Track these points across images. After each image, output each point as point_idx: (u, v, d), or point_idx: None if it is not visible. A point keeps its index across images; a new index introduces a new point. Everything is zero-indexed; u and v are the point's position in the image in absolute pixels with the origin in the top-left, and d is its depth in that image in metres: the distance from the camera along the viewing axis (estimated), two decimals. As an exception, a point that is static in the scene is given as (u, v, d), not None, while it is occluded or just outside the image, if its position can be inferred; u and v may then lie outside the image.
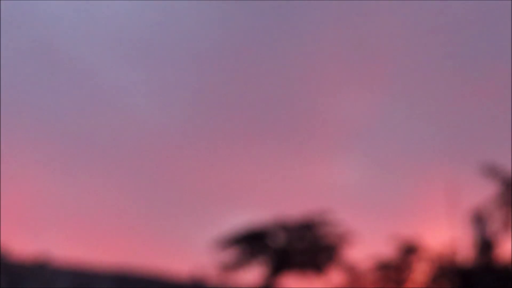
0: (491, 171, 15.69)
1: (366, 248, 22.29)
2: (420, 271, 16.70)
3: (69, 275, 35.42)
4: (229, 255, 17.34)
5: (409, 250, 16.68)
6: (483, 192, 16.17)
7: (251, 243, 17.45)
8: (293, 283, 17.43)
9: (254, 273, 17.42)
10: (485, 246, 15.89)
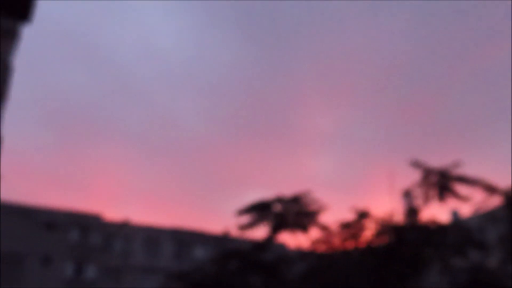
0: (416, 164, 18.54)
1: (335, 214, 26.57)
2: (369, 229, 19.17)
3: (142, 232, 43.30)
4: (245, 219, 20.47)
5: (363, 216, 19.34)
6: (411, 177, 18.73)
7: (259, 211, 20.46)
8: (286, 238, 21.35)
9: (261, 231, 20.45)
10: (412, 212, 18.47)
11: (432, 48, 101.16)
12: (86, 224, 40.63)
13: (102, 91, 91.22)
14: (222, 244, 34.81)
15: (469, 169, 19.44)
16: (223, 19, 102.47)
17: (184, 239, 41.60)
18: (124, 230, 40.70)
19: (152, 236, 41.61)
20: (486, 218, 19.27)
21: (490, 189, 17.70)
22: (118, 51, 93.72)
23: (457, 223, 19.55)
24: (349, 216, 19.96)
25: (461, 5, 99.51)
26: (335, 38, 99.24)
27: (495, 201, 18.09)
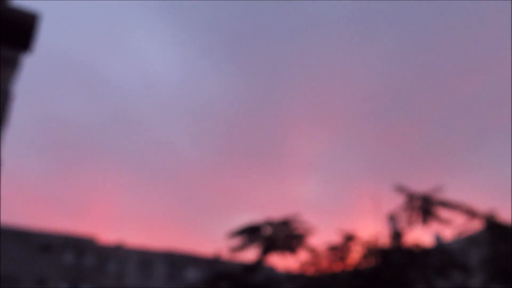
0: (400, 189, 18.49)
1: (322, 237, 26.38)
2: (356, 252, 19.00)
3: (135, 254, 42.79)
4: (236, 241, 19.97)
5: (349, 238, 19.09)
6: (395, 201, 18.66)
7: (249, 234, 19.98)
8: (276, 260, 20.34)
9: (251, 253, 19.96)
10: (396, 235, 18.27)
11: (414, 79, 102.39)
12: (81, 246, 40.09)
13: (99, 118, 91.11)
14: (213, 266, 34.56)
15: (450, 194, 19.72)
16: (215, 50, 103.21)
17: (176, 261, 41.02)
18: (118, 252, 40.17)
19: (145, 258, 41.05)
20: (468, 241, 19.21)
21: (471, 213, 17.61)
22: (116, 80, 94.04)
23: (440, 246, 19.48)
24: (336, 238, 19.76)
25: (441, 39, 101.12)
26: (323, 68, 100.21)
27: (476, 225, 18.03)
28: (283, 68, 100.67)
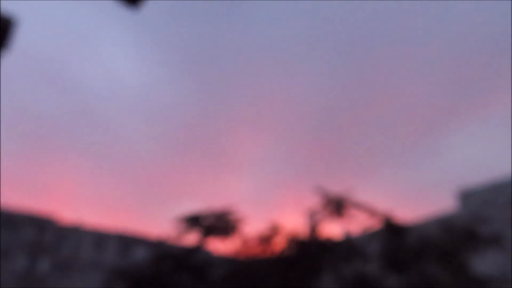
0: (319, 190, 19.17)
1: (253, 227, 27.03)
2: (280, 241, 19.53)
3: (91, 233, 41.68)
4: (180, 226, 20.17)
5: (276, 229, 19.71)
6: (315, 201, 19.20)
7: (192, 221, 20.18)
8: (213, 245, 20.45)
9: (192, 238, 20.24)
10: (313, 229, 18.89)
11: (340, 97, 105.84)
12: (41, 224, 38.70)
13: (66, 113, 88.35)
14: (160, 247, 34.30)
15: (359, 196, 20.33)
16: (174, 60, 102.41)
17: (127, 241, 40.43)
18: (76, 230, 39.18)
19: (100, 237, 40.20)
20: (370, 236, 20.01)
21: (373, 213, 18.64)
22: (83, 80, 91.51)
23: (348, 239, 20.17)
24: (264, 229, 20.18)
25: (365, 66, 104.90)
26: (265, 82, 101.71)
27: (377, 223, 18.97)
28: (231, 79, 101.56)
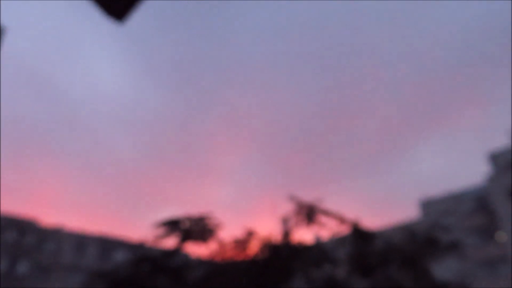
0: (292, 198, 19.51)
1: (230, 231, 27.27)
2: (254, 245, 19.62)
3: (72, 236, 41.10)
4: (159, 230, 20.00)
5: (250, 234, 19.89)
6: (288, 208, 19.99)
7: (171, 225, 20.10)
8: (191, 248, 20.39)
9: (171, 241, 20.10)
10: (286, 234, 19.18)
11: (313, 111, 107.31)
12: (23, 226, 37.93)
13: (52, 120, 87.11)
14: (139, 250, 33.98)
15: (329, 204, 20.95)
16: (158, 72, 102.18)
17: (107, 244, 39.81)
18: (57, 233, 38.52)
19: (81, 240, 39.49)
20: (339, 241, 20.49)
21: (342, 220, 19.07)
22: (69, 89, 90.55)
23: (318, 244, 20.55)
24: (240, 234, 20.42)
25: (337, 79, 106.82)
26: (244, 96, 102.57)
27: (345, 229, 19.43)
28: (213, 90, 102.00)
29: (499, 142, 73.91)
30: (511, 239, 34.31)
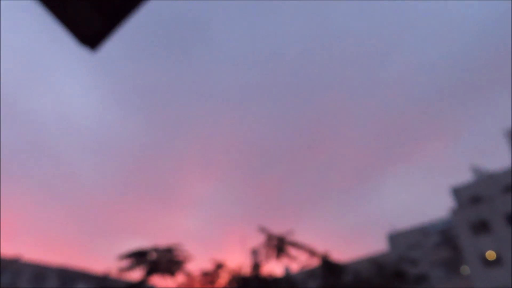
0: (262, 229, 19.47)
1: (198, 264, 26.91)
2: (223, 278, 19.46)
3: (31, 267, 39.20)
4: (125, 262, 19.44)
5: (219, 266, 19.66)
6: (258, 240, 20.96)
7: (137, 257, 19.59)
8: (157, 281, 19.79)
9: (138, 274, 19.47)
10: (256, 266, 19.02)
11: (281, 143, 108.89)
12: (-22, 256, 35.95)
13: (16, 145, 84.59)
14: (103, 283, 32.66)
15: (298, 236, 21.10)
16: (128, 100, 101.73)
17: (68, 276, 37.95)
18: (14, 264, 36.62)
19: (40, 272, 37.63)
20: (308, 273, 20.44)
21: (312, 252, 19.13)
22: (36, 113, 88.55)
23: (288, 276, 20.40)
24: (209, 266, 20.71)
25: (306, 111, 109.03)
26: (213, 127, 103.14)
27: (315, 261, 19.51)
28: (181, 119, 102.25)
29: (463, 177, 76.66)
30: (475, 272, 35.09)
